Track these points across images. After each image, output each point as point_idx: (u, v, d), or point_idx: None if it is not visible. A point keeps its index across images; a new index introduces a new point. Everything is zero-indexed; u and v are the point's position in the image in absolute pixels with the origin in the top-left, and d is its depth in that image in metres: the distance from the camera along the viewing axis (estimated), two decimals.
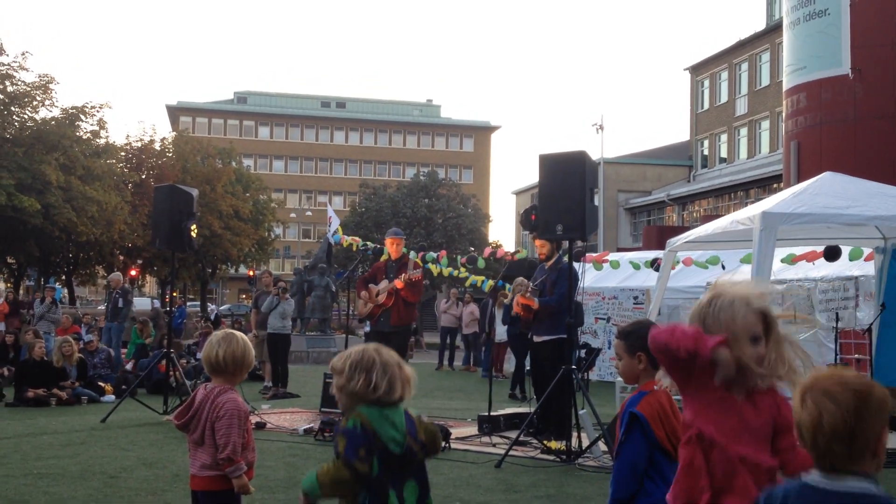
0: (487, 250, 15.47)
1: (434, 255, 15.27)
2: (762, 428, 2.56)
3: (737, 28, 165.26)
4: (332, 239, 17.62)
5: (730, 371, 2.50)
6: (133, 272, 44.50)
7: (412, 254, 11.05)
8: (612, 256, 18.21)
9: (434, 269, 16.00)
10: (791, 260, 12.31)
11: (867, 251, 11.44)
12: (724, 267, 14.93)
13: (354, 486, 3.02)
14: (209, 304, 52.98)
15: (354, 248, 16.38)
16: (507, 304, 12.79)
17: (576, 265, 8.84)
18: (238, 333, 4.09)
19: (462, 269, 16.27)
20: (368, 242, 16.07)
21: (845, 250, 11.97)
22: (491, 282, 16.77)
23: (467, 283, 16.80)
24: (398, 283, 10.06)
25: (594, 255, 16.10)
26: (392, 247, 10.61)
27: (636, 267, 16.40)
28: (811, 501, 2.10)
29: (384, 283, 10.33)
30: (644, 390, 3.58)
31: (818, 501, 2.09)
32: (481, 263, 16.78)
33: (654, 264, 14.23)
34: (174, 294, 19.07)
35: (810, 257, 12.17)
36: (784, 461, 2.58)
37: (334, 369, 3.21)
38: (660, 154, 53.14)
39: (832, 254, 11.85)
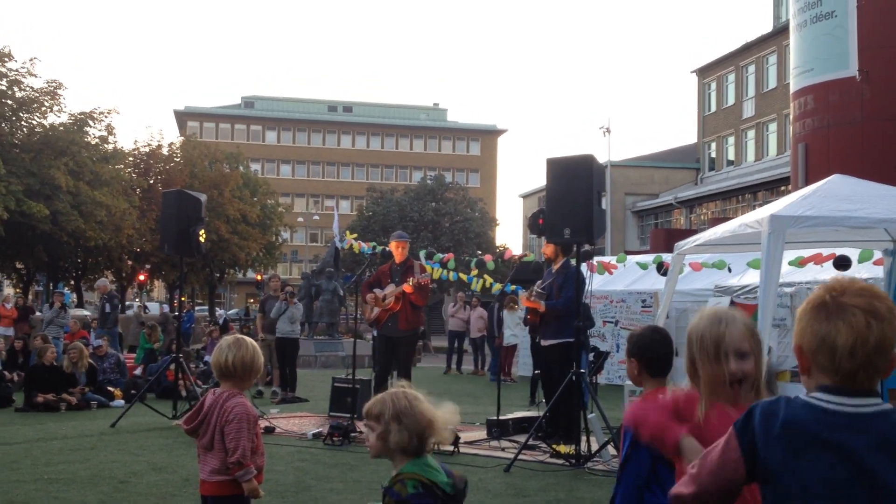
0: (488, 257, 15.41)
1: (441, 255, 15.24)
2: None
3: (743, 30, 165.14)
4: (339, 245, 17.67)
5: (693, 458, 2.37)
6: (141, 277, 44.68)
7: (422, 252, 11.02)
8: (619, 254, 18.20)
9: (435, 273, 15.98)
10: (798, 262, 12.28)
11: (878, 254, 11.40)
12: (730, 270, 14.91)
13: None
14: (217, 308, 53.10)
15: (356, 250, 16.38)
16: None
17: (583, 266, 8.83)
18: (247, 339, 4.10)
19: (471, 274, 16.25)
20: (373, 243, 16.05)
21: (854, 253, 11.93)
22: (498, 284, 16.75)
23: (473, 286, 16.78)
24: (407, 287, 10.02)
25: (603, 259, 16.06)
26: (397, 250, 10.56)
27: (643, 267, 16.38)
28: (834, 426, 1.86)
29: (391, 287, 10.30)
30: (647, 399, 3.55)
31: (845, 426, 1.86)
32: (490, 265, 16.76)
33: (662, 269, 14.20)
34: (183, 299, 19.11)
35: (818, 259, 12.14)
36: None
37: (370, 415, 3.10)
38: (667, 157, 53.07)
39: (842, 264, 11.82)
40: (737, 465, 1.95)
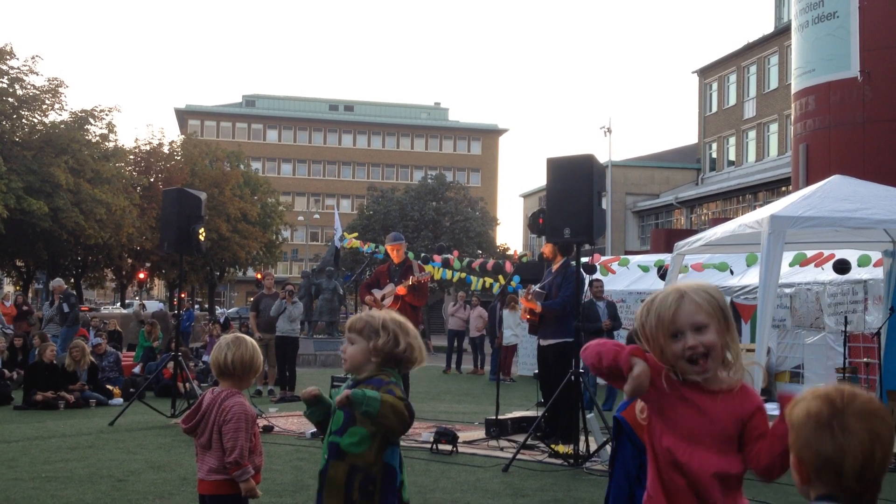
0: (508, 265, 15.35)
1: (438, 263, 15.20)
2: (718, 431, 2.43)
3: (745, 31, 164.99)
4: (338, 244, 17.69)
5: (640, 383, 2.41)
6: (141, 275, 44.68)
7: (410, 254, 10.96)
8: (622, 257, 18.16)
9: (436, 272, 15.96)
10: (801, 262, 12.26)
11: (876, 257, 11.38)
12: (732, 272, 14.90)
13: (402, 427, 3.11)
14: (217, 307, 53.09)
15: (354, 245, 16.38)
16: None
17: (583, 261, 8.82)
18: (247, 337, 4.10)
19: (473, 274, 16.23)
20: (374, 244, 16.05)
21: (853, 258, 11.92)
22: (498, 284, 16.74)
23: (474, 286, 16.76)
24: (400, 290, 10.00)
25: (603, 257, 16.06)
26: (393, 253, 10.52)
27: (645, 270, 16.38)
28: None
29: (389, 287, 10.28)
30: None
31: None
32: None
33: (661, 270, 14.20)
34: (182, 297, 19.10)
35: (818, 261, 12.13)
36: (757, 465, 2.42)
37: (353, 329, 3.25)
38: (668, 157, 53.06)
39: (842, 268, 11.81)
40: None
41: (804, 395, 1.92)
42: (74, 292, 19.60)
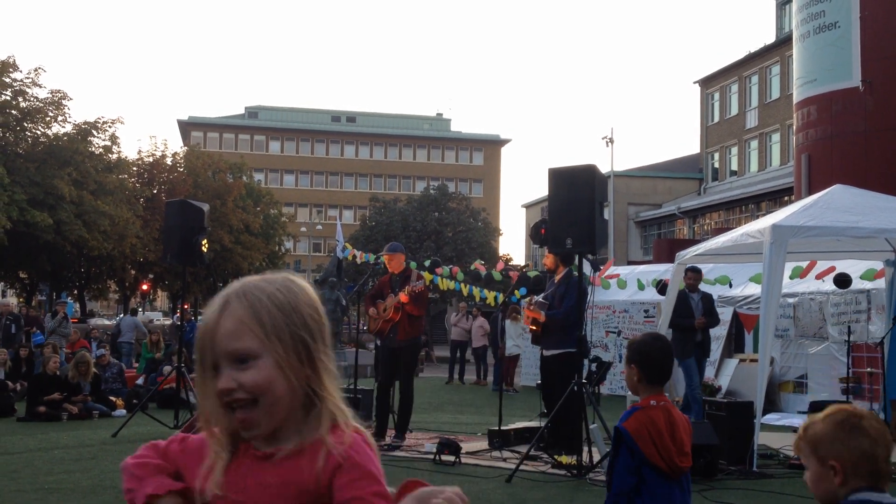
0: (500, 265, 15.39)
1: (438, 276, 15.20)
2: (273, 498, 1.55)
3: (747, 41, 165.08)
4: (340, 255, 17.70)
5: None
6: (144, 286, 44.70)
7: (412, 264, 10.95)
8: (621, 271, 18.18)
9: (443, 283, 15.98)
10: (800, 275, 12.26)
11: (879, 268, 11.38)
12: (731, 285, 14.89)
13: None
14: None
15: (354, 259, 16.42)
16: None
17: (587, 267, 8.79)
18: None
19: (468, 284, 16.26)
20: (374, 255, 16.09)
21: (858, 271, 11.91)
22: (501, 295, 16.77)
23: (476, 297, 16.80)
24: (403, 297, 10.00)
25: (602, 270, 16.09)
26: (390, 263, 10.51)
27: (641, 287, 16.40)
28: None
29: (391, 298, 10.29)
30: (639, 405, 3.57)
31: None
32: (497, 276, 16.78)
33: (660, 285, 14.18)
34: (186, 308, 19.11)
35: (818, 274, 12.13)
36: None
37: None
38: (670, 167, 53.08)
39: (843, 282, 11.79)
40: None
41: (816, 418, 2.31)
42: (21, 315, 18.42)
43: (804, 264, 11.95)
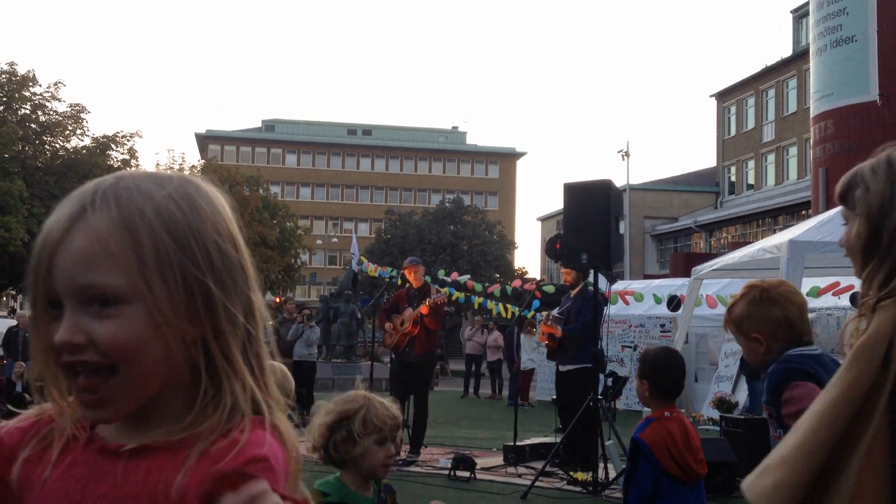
0: (517, 282, 15.36)
1: (453, 289, 15.18)
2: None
3: (763, 54, 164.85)
4: (356, 268, 17.75)
5: None
6: None
7: (427, 278, 10.95)
8: (637, 285, 18.12)
9: (459, 294, 15.98)
10: (816, 294, 12.18)
11: None
12: None
13: None
14: None
15: (374, 273, 16.45)
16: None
17: (603, 283, 8.76)
18: (274, 363, 4.04)
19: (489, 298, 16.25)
20: (389, 269, 16.12)
21: None
22: (517, 308, 16.75)
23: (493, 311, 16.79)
24: (423, 309, 9.95)
25: (619, 288, 16.02)
26: (411, 276, 10.50)
27: (658, 301, 16.33)
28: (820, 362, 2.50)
29: (408, 312, 10.25)
30: (653, 416, 3.60)
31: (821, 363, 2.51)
32: (509, 291, 16.78)
33: (672, 304, 14.11)
34: None
35: (835, 291, 12.04)
36: None
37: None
38: (686, 180, 52.94)
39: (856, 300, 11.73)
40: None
41: (735, 298, 2.65)
42: None
43: (822, 284, 11.87)
